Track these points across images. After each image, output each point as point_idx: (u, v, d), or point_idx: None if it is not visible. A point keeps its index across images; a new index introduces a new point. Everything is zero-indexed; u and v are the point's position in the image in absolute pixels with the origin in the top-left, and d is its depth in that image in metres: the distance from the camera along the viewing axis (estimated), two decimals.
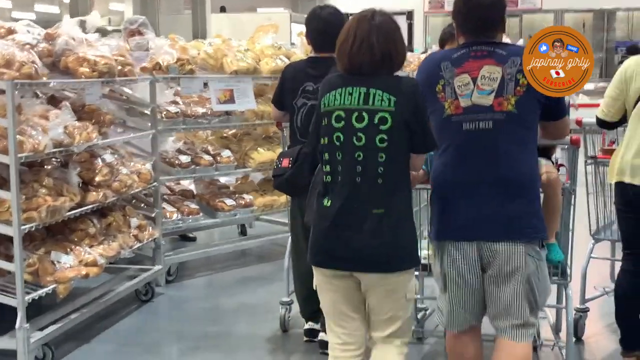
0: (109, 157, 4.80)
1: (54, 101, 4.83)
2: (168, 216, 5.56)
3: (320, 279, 3.00)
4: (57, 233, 4.54)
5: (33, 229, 4.00)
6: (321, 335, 4.24)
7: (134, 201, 5.46)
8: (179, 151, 5.91)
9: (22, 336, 3.85)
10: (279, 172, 4.10)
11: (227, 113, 5.87)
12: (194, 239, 6.65)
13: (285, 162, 4.05)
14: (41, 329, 4.11)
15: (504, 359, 3.04)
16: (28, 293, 3.99)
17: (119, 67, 4.90)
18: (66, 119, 4.19)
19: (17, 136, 3.84)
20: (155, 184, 5.31)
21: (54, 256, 4.24)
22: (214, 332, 4.64)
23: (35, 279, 4.11)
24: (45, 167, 4.51)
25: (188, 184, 6.27)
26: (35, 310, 4.17)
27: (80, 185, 4.55)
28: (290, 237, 4.45)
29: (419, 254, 3.01)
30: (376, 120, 2.81)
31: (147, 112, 5.38)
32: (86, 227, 4.59)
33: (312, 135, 3.09)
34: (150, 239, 5.20)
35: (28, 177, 4.19)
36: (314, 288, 3.08)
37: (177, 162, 5.70)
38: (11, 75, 3.83)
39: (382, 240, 2.81)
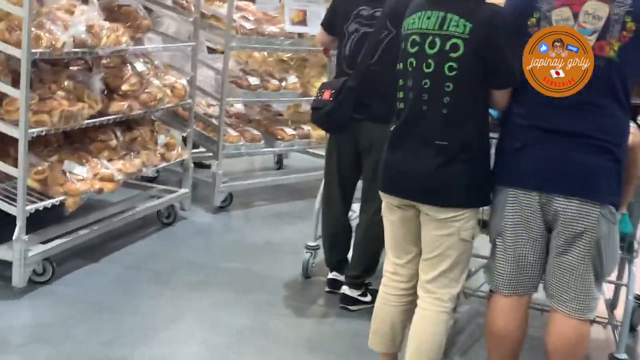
0: (140, 66, 4.40)
1: None
2: (230, 140, 5.18)
3: (384, 204, 2.91)
4: (76, 141, 4.21)
5: (43, 133, 3.65)
6: (343, 289, 3.85)
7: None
8: (244, 72, 5.47)
9: (19, 248, 3.55)
10: (318, 104, 3.69)
11: (299, 35, 5.42)
12: (208, 167, 6.10)
13: (327, 95, 3.64)
14: (44, 243, 3.81)
15: (557, 335, 2.68)
16: (33, 202, 3.68)
17: None
18: (92, 17, 3.78)
19: (34, 29, 3.47)
20: (189, 101, 4.91)
21: (67, 166, 3.91)
22: (231, 268, 4.29)
23: (43, 187, 3.79)
24: (71, 68, 4.16)
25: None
26: (42, 222, 3.86)
27: (106, 92, 4.19)
28: (324, 177, 4.02)
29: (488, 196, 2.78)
30: (447, 47, 2.61)
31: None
32: (107, 139, 4.24)
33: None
34: (177, 159, 4.84)
35: (47, 76, 3.84)
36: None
37: (245, 83, 5.27)
38: None
39: (439, 172, 2.67)
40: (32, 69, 3.81)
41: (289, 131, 5.58)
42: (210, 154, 5.46)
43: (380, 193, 2.87)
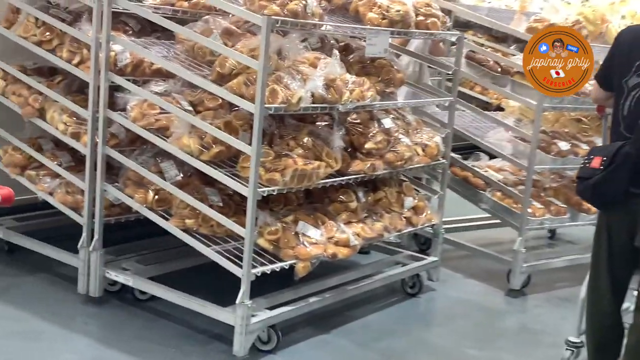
0: (388, 122, 4.06)
1: (346, 50, 4.24)
2: (536, 214, 4.63)
3: None
4: (317, 201, 3.96)
5: (275, 192, 3.43)
6: None
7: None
8: (550, 134, 4.89)
9: (242, 313, 3.34)
10: (585, 173, 3.05)
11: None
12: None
13: (596, 162, 3.00)
14: (271, 308, 3.57)
15: None
16: (262, 264, 3.46)
17: (420, 18, 4.11)
18: (334, 70, 3.51)
19: (270, 83, 3.28)
20: (443, 161, 4.46)
21: (301, 227, 3.65)
22: (472, 355, 3.72)
23: (275, 249, 3.57)
24: (317, 123, 3.95)
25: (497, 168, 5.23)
26: (269, 285, 3.63)
27: (349, 150, 3.90)
28: (590, 261, 3.31)
29: None
30: None
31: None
32: (347, 200, 3.93)
33: None
34: (426, 225, 4.40)
35: (287, 132, 3.64)
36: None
37: (553, 148, 4.70)
38: (272, 10, 3.25)
39: None
40: (277, 124, 3.68)
41: None
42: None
43: None
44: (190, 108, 3.66)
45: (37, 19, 3.96)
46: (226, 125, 3.46)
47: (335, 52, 3.59)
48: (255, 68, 3.21)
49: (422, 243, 5.06)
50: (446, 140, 4.46)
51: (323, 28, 3.54)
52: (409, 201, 4.29)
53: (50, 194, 4.00)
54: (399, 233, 4.18)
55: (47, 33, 3.95)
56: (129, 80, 3.77)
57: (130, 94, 3.69)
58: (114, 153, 3.76)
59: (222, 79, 3.45)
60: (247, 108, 3.27)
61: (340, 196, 3.93)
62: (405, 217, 4.24)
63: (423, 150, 4.28)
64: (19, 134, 4.18)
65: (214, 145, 3.46)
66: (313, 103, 3.43)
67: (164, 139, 3.59)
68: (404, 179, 4.44)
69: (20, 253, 4.27)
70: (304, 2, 3.33)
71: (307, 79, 3.38)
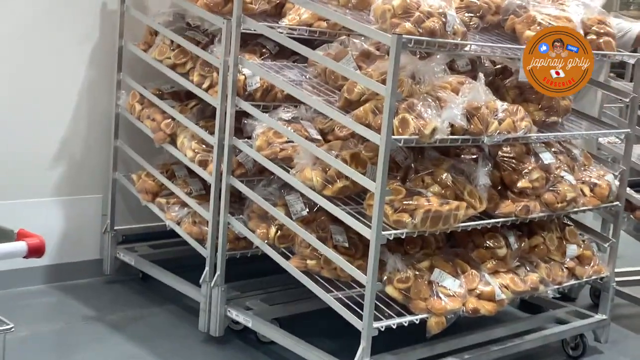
0: (547, 157, 3.49)
1: (504, 74, 3.74)
2: None
3: None
4: (459, 244, 3.48)
5: (404, 236, 3.00)
6: None
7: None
8: None
9: None
10: None
11: None
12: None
13: None
14: None
15: None
16: (388, 316, 3.04)
17: (591, 37, 3.51)
18: (477, 97, 3.03)
19: (401, 112, 2.87)
20: (616, 203, 3.80)
21: (436, 276, 3.18)
22: None
23: (405, 299, 3.13)
24: (463, 156, 3.48)
25: None
26: (397, 338, 3.19)
27: (498, 188, 3.39)
28: None
29: None
30: None
31: None
32: (495, 246, 3.41)
33: None
34: (593, 277, 3.76)
35: (424, 166, 3.20)
36: None
37: None
38: (405, 28, 2.84)
39: None
40: (415, 157, 3.27)
41: None
42: None
43: None
44: (319, 137, 3.34)
45: (172, 41, 3.82)
46: (353, 158, 3.09)
47: (480, 75, 3.10)
48: (382, 94, 2.81)
49: (597, 295, 4.27)
50: (621, 178, 3.80)
51: (467, 48, 3.07)
52: (573, 249, 3.68)
53: (178, 223, 3.82)
54: (558, 286, 3.58)
55: (181, 56, 3.80)
56: (258, 105, 3.51)
57: (258, 120, 3.43)
58: (238, 183, 3.51)
59: (350, 106, 3.09)
60: (372, 139, 2.87)
61: (487, 241, 3.42)
62: (567, 268, 3.63)
63: (591, 190, 3.67)
64: (155, 159, 4.06)
65: (338, 180, 3.10)
66: (452, 134, 2.97)
67: (288, 170, 3.28)
68: (568, 223, 3.83)
69: (154, 280, 4.14)
70: (443, 18, 2.89)
71: (444, 107, 2.93)
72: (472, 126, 2.99)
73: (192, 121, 3.75)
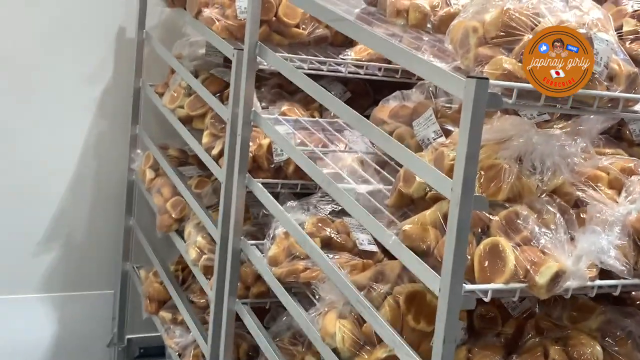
0: None
1: None
2: None
3: None
4: None
5: None
6: None
7: None
8: None
9: None
10: None
11: None
12: None
13: None
14: None
15: None
16: None
17: None
18: None
19: (496, 237, 1.40)
20: None
21: None
22: None
23: None
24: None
25: None
26: None
27: None
28: None
29: None
30: None
31: None
32: None
33: None
34: None
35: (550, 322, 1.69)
36: None
37: None
38: (499, 66, 1.39)
39: None
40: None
41: None
42: None
43: None
44: (373, 247, 1.93)
45: (188, 84, 2.59)
46: (412, 300, 1.65)
47: None
48: (447, 197, 1.36)
49: None
50: None
51: (638, 107, 1.54)
52: None
53: (180, 355, 2.55)
54: None
55: (198, 105, 2.55)
56: (291, 186, 2.19)
57: (274, 219, 2.07)
58: (241, 309, 2.17)
59: (407, 205, 1.66)
60: (429, 284, 1.42)
61: None
62: None
63: None
64: (175, 248, 2.84)
65: (378, 345, 1.67)
66: (603, 277, 1.45)
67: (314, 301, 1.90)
68: None
69: None
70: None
71: (585, 226, 1.42)
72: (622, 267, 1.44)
73: (204, 202, 2.48)
